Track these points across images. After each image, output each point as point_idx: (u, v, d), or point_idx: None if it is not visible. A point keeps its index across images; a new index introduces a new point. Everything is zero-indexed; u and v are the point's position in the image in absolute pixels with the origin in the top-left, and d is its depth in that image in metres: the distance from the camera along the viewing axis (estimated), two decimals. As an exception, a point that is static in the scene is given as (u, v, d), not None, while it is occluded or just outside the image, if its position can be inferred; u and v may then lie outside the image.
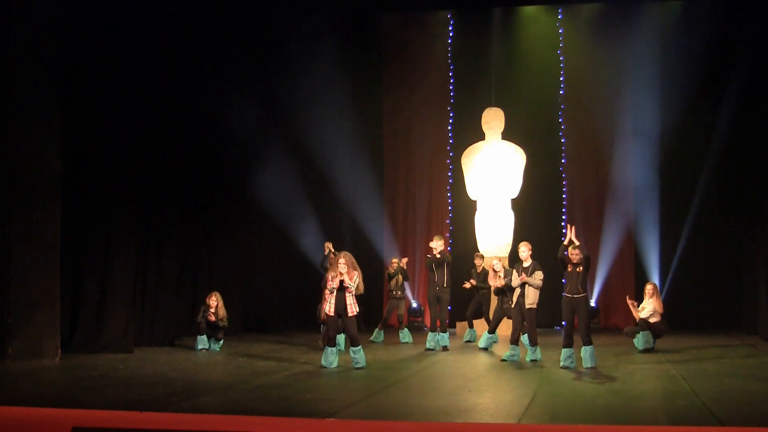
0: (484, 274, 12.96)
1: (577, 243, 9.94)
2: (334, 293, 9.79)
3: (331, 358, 9.90)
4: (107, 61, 11.66)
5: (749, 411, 7.21)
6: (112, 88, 11.70)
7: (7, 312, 10.30)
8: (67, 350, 11.06)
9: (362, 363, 9.82)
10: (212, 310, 12.00)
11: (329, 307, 9.83)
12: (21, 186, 10.50)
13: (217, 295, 12.24)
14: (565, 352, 9.92)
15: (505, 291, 11.33)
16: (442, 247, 12.04)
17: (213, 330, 12.04)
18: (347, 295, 9.78)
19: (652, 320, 11.58)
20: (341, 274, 9.72)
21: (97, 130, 11.74)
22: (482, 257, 13.50)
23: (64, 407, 7.25)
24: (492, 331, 11.94)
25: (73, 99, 11.40)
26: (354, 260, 9.97)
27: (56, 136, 10.78)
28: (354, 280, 9.77)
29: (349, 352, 10.11)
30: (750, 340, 12.80)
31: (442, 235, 12.90)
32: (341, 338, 11.55)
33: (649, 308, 11.60)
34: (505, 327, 12.61)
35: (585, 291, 9.91)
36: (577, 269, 9.87)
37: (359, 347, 9.87)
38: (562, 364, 9.88)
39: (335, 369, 9.78)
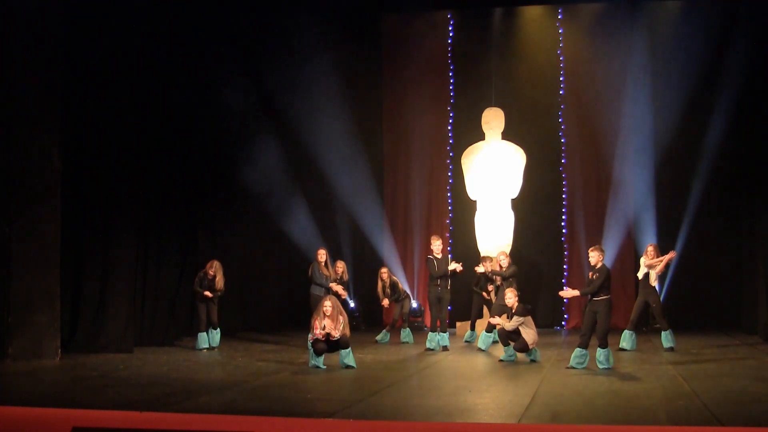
0: (485, 278, 12.89)
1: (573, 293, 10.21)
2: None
3: (315, 360, 9.89)
4: (107, 61, 11.66)
5: (749, 411, 7.21)
6: (112, 88, 11.70)
7: (7, 312, 10.32)
8: (67, 350, 11.07)
9: (351, 364, 9.83)
10: (209, 279, 11.94)
11: (319, 334, 9.85)
12: (21, 186, 10.51)
13: (218, 264, 12.06)
14: (577, 351, 9.80)
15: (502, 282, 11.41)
16: (441, 247, 12.04)
17: (209, 303, 11.92)
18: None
19: (653, 282, 11.62)
20: (325, 326, 9.72)
21: (97, 130, 11.73)
22: (490, 260, 13.32)
23: (64, 407, 7.26)
24: (489, 330, 11.87)
25: (73, 99, 11.40)
26: (338, 304, 10.06)
27: (56, 136, 10.78)
28: (340, 327, 9.77)
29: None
30: (750, 340, 12.79)
31: (440, 235, 12.89)
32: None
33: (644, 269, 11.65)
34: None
35: (607, 294, 9.83)
36: (596, 275, 9.85)
37: (348, 350, 9.88)
38: (570, 363, 9.79)
39: (335, 370, 9.77)
